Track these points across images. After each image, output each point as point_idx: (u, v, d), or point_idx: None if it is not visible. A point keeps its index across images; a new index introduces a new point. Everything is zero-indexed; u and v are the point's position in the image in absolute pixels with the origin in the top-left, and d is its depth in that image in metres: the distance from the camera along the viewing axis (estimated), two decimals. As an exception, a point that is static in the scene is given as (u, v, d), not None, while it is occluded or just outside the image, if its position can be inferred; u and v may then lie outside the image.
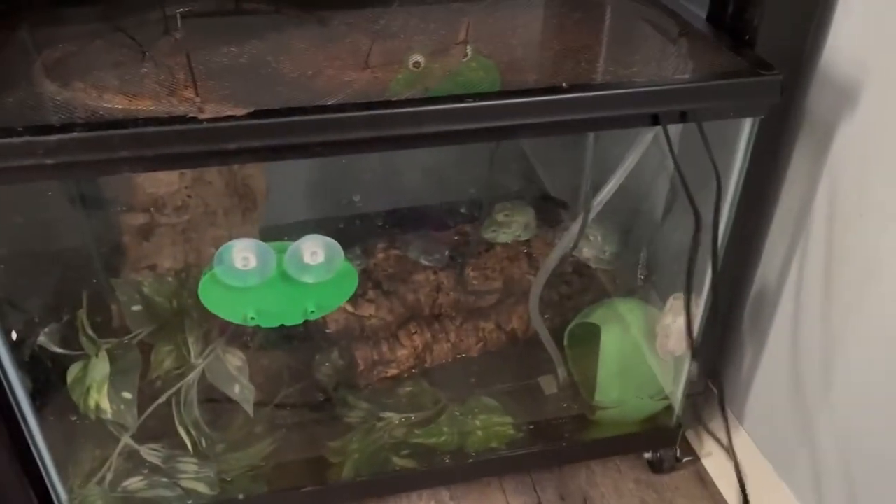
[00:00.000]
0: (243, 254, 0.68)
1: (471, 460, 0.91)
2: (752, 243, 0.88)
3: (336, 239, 0.85)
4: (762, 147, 0.75)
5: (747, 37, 0.74)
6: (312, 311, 0.73)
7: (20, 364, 0.72)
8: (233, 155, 0.60)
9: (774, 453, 0.93)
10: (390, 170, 1.01)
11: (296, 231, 0.70)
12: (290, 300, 0.72)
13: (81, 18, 0.82)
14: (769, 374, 0.93)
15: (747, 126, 0.73)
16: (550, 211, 1.07)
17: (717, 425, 1.02)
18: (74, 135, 0.57)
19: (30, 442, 0.75)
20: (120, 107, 0.63)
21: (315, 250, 0.69)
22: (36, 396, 0.76)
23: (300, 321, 0.74)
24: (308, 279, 0.70)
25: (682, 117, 0.69)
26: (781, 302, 0.88)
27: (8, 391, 0.71)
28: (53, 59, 0.71)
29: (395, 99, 0.63)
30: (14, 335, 0.73)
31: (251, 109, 0.60)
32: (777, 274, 0.88)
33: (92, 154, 0.58)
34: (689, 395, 0.93)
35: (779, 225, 0.87)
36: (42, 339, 0.77)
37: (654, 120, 0.67)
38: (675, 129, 0.71)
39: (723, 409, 0.80)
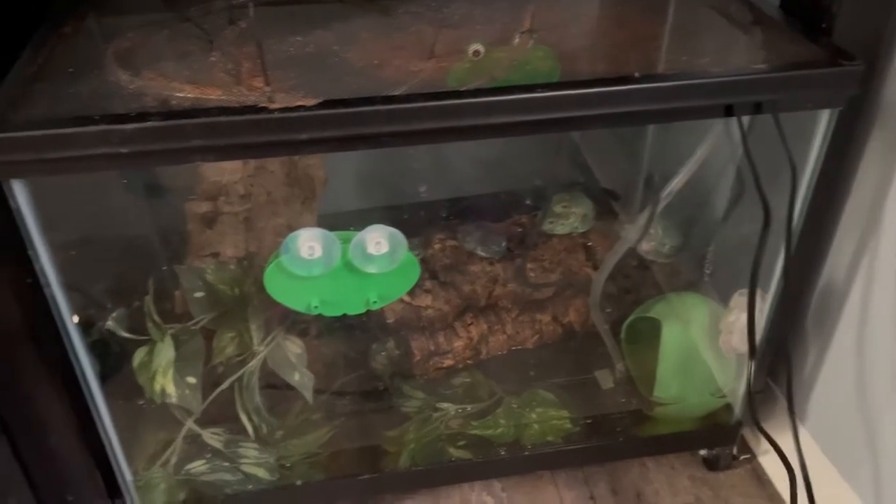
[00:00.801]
0: (309, 243, 0.68)
1: (526, 453, 0.90)
2: (821, 239, 0.85)
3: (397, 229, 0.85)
4: (838, 139, 0.72)
5: (824, 24, 0.71)
6: (374, 301, 0.73)
7: (89, 348, 0.74)
8: (303, 145, 0.60)
9: (838, 454, 0.91)
10: (449, 159, 1.01)
11: (355, 220, 0.71)
12: (353, 290, 0.72)
13: (147, 7, 0.83)
14: (834, 373, 0.91)
15: (824, 118, 0.70)
16: (605, 203, 1.05)
17: (774, 424, 1.00)
18: (149, 124, 0.58)
19: (98, 424, 0.77)
20: (190, 96, 0.63)
21: (379, 240, 0.69)
22: (103, 380, 0.78)
23: (362, 311, 0.74)
24: (372, 269, 0.71)
25: (757, 108, 0.67)
26: (849, 299, 0.85)
27: (79, 374, 0.73)
28: (123, 48, 0.72)
29: (464, 89, 0.62)
30: (76, 319, 0.75)
31: (321, 100, 0.60)
32: (845, 270, 0.86)
33: (165, 143, 0.59)
34: (752, 394, 0.91)
35: (849, 220, 0.84)
36: (110, 323, 0.78)
37: (728, 111, 0.66)
38: (745, 120, 0.69)
39: (791, 408, 0.78)
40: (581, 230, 0.99)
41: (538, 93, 0.61)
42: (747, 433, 1.02)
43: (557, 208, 0.98)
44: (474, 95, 0.61)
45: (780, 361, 0.99)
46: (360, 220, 0.70)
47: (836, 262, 0.87)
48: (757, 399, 0.93)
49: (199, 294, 0.84)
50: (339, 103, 0.60)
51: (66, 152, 0.58)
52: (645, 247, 0.99)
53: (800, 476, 0.81)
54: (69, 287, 0.70)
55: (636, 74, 0.63)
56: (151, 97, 0.63)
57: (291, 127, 0.59)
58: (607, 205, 1.05)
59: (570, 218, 0.98)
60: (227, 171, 0.84)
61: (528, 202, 1.01)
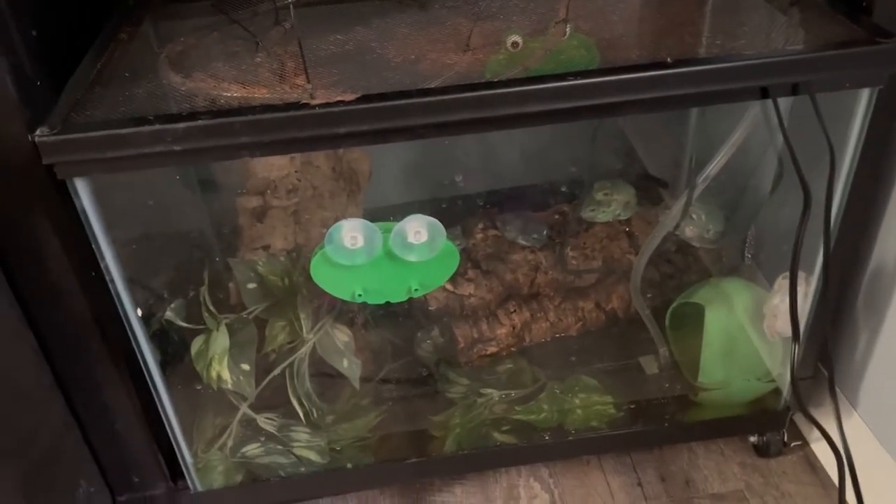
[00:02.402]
0: (352, 233, 0.71)
1: (570, 438, 0.91)
2: (867, 221, 0.84)
3: (436, 219, 0.87)
4: (879, 119, 0.71)
5: (864, 3, 0.70)
6: (416, 289, 0.75)
7: (150, 337, 0.78)
8: (343, 138, 0.63)
9: (891, 440, 0.89)
10: (489, 150, 1.02)
11: (398, 212, 0.73)
12: (395, 278, 0.75)
13: (198, 12, 0.86)
14: (885, 356, 0.89)
15: (864, 98, 0.69)
16: (650, 190, 1.05)
17: (827, 409, 0.99)
18: (199, 122, 0.61)
19: (160, 410, 0.81)
20: (237, 95, 0.67)
21: (419, 230, 0.71)
22: (164, 368, 0.82)
23: (404, 298, 0.76)
24: (412, 258, 0.73)
25: (794, 90, 0.67)
26: (900, 282, 0.84)
27: (141, 362, 0.78)
28: (176, 52, 0.76)
29: (497, 80, 0.64)
30: (139, 311, 0.79)
31: (359, 94, 0.62)
32: (895, 253, 0.84)
33: (215, 140, 0.62)
34: (799, 379, 0.90)
35: (898, 198, 0.83)
36: (168, 314, 0.83)
37: (764, 93, 0.66)
38: (784, 102, 0.69)
39: (832, 393, 0.77)
40: (623, 217, 1.00)
41: (570, 81, 0.63)
42: (798, 419, 1.00)
43: (598, 195, 0.99)
44: (507, 86, 0.62)
45: (830, 346, 0.97)
46: (403, 212, 0.72)
47: (886, 244, 0.86)
48: (807, 384, 0.92)
49: (251, 285, 0.88)
50: (376, 98, 0.62)
51: (125, 151, 0.62)
52: (689, 232, 0.99)
53: (846, 463, 0.80)
54: (130, 280, 0.74)
55: (668, 59, 0.64)
56: (202, 97, 0.66)
57: (332, 121, 0.62)
58: (655, 192, 1.05)
59: (611, 205, 0.98)
60: (275, 167, 0.87)
61: (569, 191, 1.01)
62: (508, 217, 0.99)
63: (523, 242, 0.97)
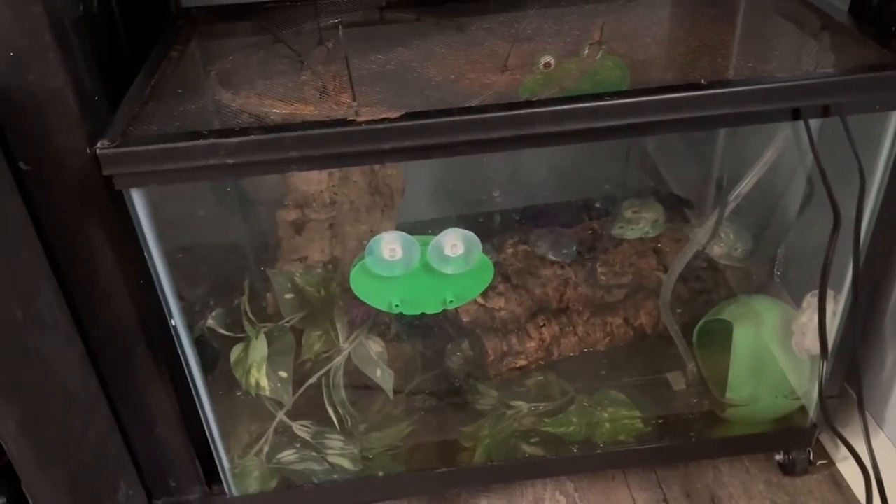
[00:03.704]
0: (391, 245, 0.73)
1: (598, 451, 0.93)
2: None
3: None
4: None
5: (894, 28, 0.72)
6: (451, 301, 0.78)
7: (193, 344, 0.81)
8: (387, 154, 0.66)
9: (918, 459, 0.90)
10: (521, 167, 1.05)
11: (429, 227, 0.75)
12: (431, 290, 0.77)
13: (243, 32, 0.90)
14: (913, 377, 0.90)
15: (894, 120, 0.71)
16: (677, 208, 1.07)
17: (854, 429, 0.99)
18: (252, 137, 0.64)
19: (201, 415, 0.84)
20: (285, 112, 0.69)
21: (455, 243, 0.74)
22: (206, 374, 0.85)
23: (439, 310, 0.78)
24: (448, 270, 0.75)
25: (825, 111, 0.68)
26: (928, 302, 0.85)
27: (186, 369, 0.80)
28: (224, 69, 0.79)
29: (536, 99, 0.66)
30: (183, 319, 0.82)
31: (403, 112, 0.65)
32: (924, 273, 0.85)
33: (266, 154, 0.65)
34: (827, 397, 0.91)
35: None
36: (210, 321, 0.85)
37: (796, 115, 0.67)
38: (814, 123, 0.71)
39: (861, 412, 0.78)
40: (652, 234, 1.01)
41: (605, 101, 0.65)
42: (825, 438, 1.01)
43: (628, 213, 1.01)
44: (543, 105, 0.65)
45: (859, 365, 0.98)
46: (438, 227, 0.74)
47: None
48: (833, 402, 0.93)
49: (289, 295, 0.90)
50: (419, 115, 0.65)
51: (180, 164, 0.65)
52: (717, 250, 1.00)
53: (874, 481, 0.80)
54: (176, 288, 0.77)
55: (702, 81, 0.66)
56: (250, 113, 0.69)
57: (377, 138, 0.65)
58: (679, 210, 1.06)
59: (640, 223, 1.00)
60: (314, 182, 0.90)
61: (599, 207, 1.03)
62: (539, 232, 1.01)
63: (553, 258, 0.99)
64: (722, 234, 0.98)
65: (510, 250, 1.00)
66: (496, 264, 1.00)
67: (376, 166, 0.93)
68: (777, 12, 0.85)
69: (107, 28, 0.79)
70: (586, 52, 0.79)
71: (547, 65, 0.76)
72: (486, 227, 1.01)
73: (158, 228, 0.71)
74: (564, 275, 0.99)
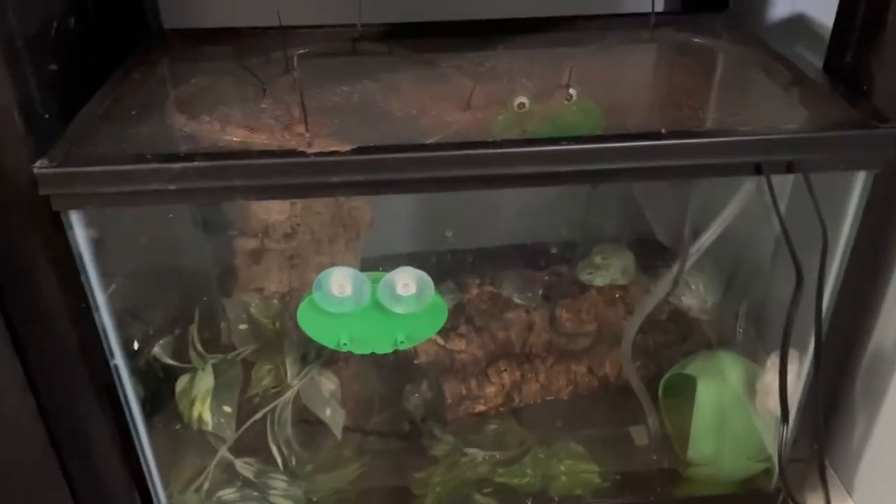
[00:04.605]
0: (340, 281, 0.71)
1: (554, 505, 0.89)
2: (865, 303, 0.83)
3: (432, 273, 0.87)
4: (879, 203, 0.71)
5: (865, 87, 0.71)
6: (402, 342, 0.75)
7: (133, 372, 0.78)
8: (337, 187, 0.64)
9: (886, 531, 0.87)
10: (490, 207, 1.03)
11: (397, 263, 0.73)
12: (382, 329, 0.74)
13: (215, 56, 0.89)
14: (882, 444, 0.87)
15: (860, 180, 0.69)
16: (650, 256, 1.04)
17: (821, 494, 0.96)
18: (195, 164, 0.62)
19: (137, 446, 0.81)
20: (238, 139, 0.68)
21: (407, 282, 0.71)
22: (151, 406, 0.82)
23: (390, 350, 0.76)
24: (399, 309, 0.73)
25: (789, 168, 0.67)
26: (898, 368, 0.82)
27: (122, 398, 0.77)
28: (185, 94, 0.78)
29: (489, 140, 0.65)
30: (136, 345, 0.79)
31: (355, 146, 0.63)
32: (895, 337, 0.83)
33: (210, 182, 0.63)
34: (792, 461, 0.88)
35: (899, 283, 0.82)
36: (157, 350, 0.83)
37: (758, 169, 0.66)
38: (786, 179, 0.69)
39: (822, 479, 0.75)
40: (621, 282, 0.99)
41: (563, 146, 0.63)
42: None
43: (597, 259, 0.98)
44: (497, 146, 0.63)
45: (827, 427, 0.95)
46: (405, 263, 0.72)
47: (886, 328, 0.84)
48: (801, 467, 0.90)
49: (243, 326, 0.88)
50: (370, 150, 0.63)
51: (120, 187, 0.63)
52: (687, 302, 0.98)
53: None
54: (120, 314, 0.75)
55: (662, 130, 0.64)
56: (203, 139, 0.68)
57: (326, 170, 0.63)
58: (651, 258, 1.04)
59: (609, 269, 0.98)
60: (274, 210, 0.88)
61: (567, 252, 1.01)
62: (506, 274, 0.99)
63: (518, 301, 0.96)
64: (692, 286, 0.96)
65: (475, 291, 0.98)
66: (459, 304, 0.98)
67: (343, 198, 0.92)
68: (753, 65, 0.84)
69: (79, 46, 0.78)
70: (556, 95, 0.77)
71: (521, 105, 0.75)
72: (452, 266, 0.99)
73: (103, 251, 0.69)
74: (529, 319, 0.96)
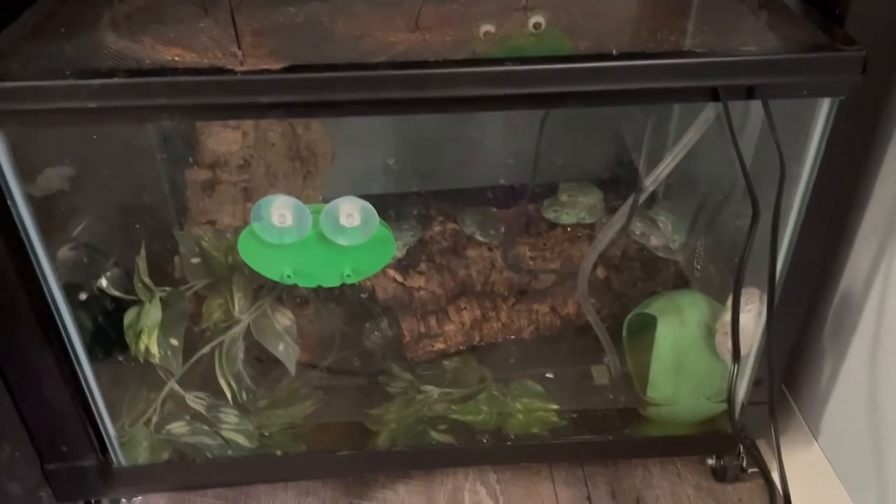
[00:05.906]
0: (280, 210, 0.68)
1: (509, 443, 0.88)
2: (831, 241, 0.80)
3: (396, 211, 0.84)
4: (844, 134, 0.67)
5: (837, 11, 0.66)
6: (349, 275, 0.73)
7: (79, 305, 0.76)
8: (267, 108, 0.60)
9: (846, 472, 0.85)
10: (458, 146, 0.99)
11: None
12: (327, 262, 0.72)
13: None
14: (847, 387, 0.85)
15: (825, 108, 0.66)
16: (623, 196, 1.01)
17: (790, 438, 0.95)
18: (116, 80, 0.59)
19: (82, 380, 0.79)
20: (167, 58, 0.64)
21: (351, 212, 0.69)
22: (96, 338, 0.80)
23: (336, 284, 0.73)
24: (343, 241, 0.70)
25: (749, 94, 0.63)
26: (866, 309, 0.80)
27: (63, 331, 0.75)
28: (122, 12, 0.74)
29: (432, 60, 0.61)
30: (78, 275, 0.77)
31: (286, 64, 0.60)
32: (864, 278, 0.80)
33: (132, 100, 0.60)
34: (752, 403, 0.86)
35: (870, 223, 0.79)
36: (103, 282, 0.81)
37: (715, 95, 0.62)
38: (757, 113, 0.65)
39: (773, 420, 0.74)
40: (588, 221, 0.96)
41: (507, 66, 0.60)
42: (762, 444, 0.96)
43: (563, 197, 0.95)
44: (437, 66, 0.59)
45: (796, 370, 0.93)
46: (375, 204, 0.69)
47: (855, 269, 0.81)
48: (762, 409, 0.89)
49: (195, 260, 0.85)
50: (302, 68, 0.60)
51: (38, 104, 0.59)
52: (654, 241, 0.95)
53: (805, 490, 0.76)
54: (63, 243, 0.73)
55: (613, 51, 0.60)
56: (131, 58, 0.64)
57: (255, 90, 0.59)
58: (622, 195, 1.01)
59: (575, 207, 0.95)
60: (226, 141, 0.85)
61: (538, 191, 0.98)
62: (469, 211, 0.96)
63: (480, 238, 0.94)
64: (660, 225, 0.93)
65: (438, 228, 0.95)
66: (421, 241, 0.95)
67: (298, 129, 0.88)
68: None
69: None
70: (514, 17, 0.73)
71: (487, 34, 0.71)
72: (415, 203, 0.96)
73: (32, 174, 0.66)
74: (491, 257, 0.94)
